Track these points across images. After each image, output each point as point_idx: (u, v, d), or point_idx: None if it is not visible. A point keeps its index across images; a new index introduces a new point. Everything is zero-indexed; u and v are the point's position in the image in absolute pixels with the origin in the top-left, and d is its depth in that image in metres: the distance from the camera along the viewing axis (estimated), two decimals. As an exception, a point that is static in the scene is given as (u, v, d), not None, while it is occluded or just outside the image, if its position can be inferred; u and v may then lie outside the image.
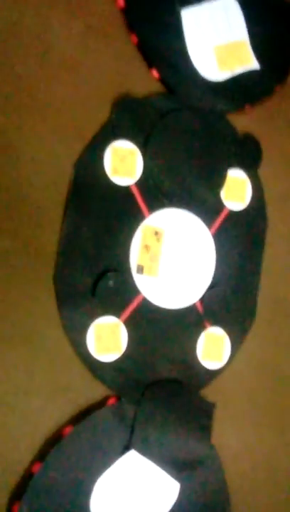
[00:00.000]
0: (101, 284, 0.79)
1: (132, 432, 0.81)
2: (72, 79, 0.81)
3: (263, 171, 0.93)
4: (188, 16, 0.88)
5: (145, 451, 0.81)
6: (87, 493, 0.77)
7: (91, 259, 0.80)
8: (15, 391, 0.75)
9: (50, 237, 0.78)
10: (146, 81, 0.85)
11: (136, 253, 0.83)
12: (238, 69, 0.91)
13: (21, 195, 0.77)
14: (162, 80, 0.86)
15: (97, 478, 0.78)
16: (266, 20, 0.95)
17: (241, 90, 0.91)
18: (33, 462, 0.75)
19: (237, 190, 0.90)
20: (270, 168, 0.94)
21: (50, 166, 0.78)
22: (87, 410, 0.79)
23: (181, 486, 0.83)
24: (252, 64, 0.92)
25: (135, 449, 0.80)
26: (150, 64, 0.85)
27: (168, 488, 0.82)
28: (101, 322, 0.80)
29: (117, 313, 0.81)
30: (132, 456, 0.80)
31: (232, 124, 0.91)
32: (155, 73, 0.85)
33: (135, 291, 0.83)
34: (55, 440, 0.76)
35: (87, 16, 0.82)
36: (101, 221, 0.81)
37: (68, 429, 0.77)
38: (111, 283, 0.80)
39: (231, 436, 0.89)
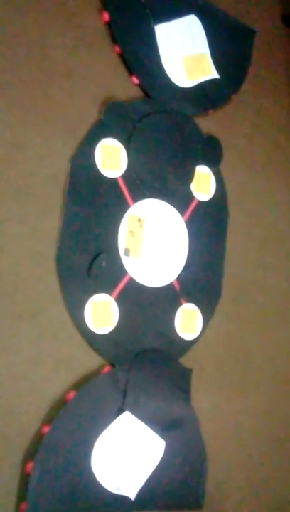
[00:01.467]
0: (95, 265, 0.88)
1: (125, 395, 0.90)
2: (66, 84, 0.89)
3: (223, 167, 1.05)
4: (161, 30, 0.99)
5: (136, 412, 0.90)
6: (88, 451, 0.86)
7: (87, 242, 0.89)
8: (24, 362, 0.83)
9: (53, 222, 0.86)
10: (128, 86, 0.95)
11: (123, 238, 0.92)
12: (202, 78, 1.03)
13: (27, 186, 0.84)
14: (141, 85, 0.97)
15: (97, 437, 0.87)
16: (224, 36, 1.07)
17: (205, 97, 1.03)
18: (42, 425, 0.83)
19: (203, 184, 1.02)
20: (229, 164, 1.06)
21: (51, 161, 0.87)
22: (86, 377, 0.88)
23: (166, 443, 0.92)
24: (213, 74, 1.04)
25: (128, 410, 0.89)
26: (130, 71, 0.96)
27: (155, 445, 0.91)
28: (96, 299, 0.89)
29: (109, 290, 0.90)
30: (126, 417, 0.89)
31: (197, 126, 1.02)
32: (135, 79, 0.96)
33: (123, 271, 0.92)
34: (60, 404, 0.84)
35: (78, 28, 0.91)
36: (94, 209, 0.90)
37: (71, 395, 0.85)
38: (104, 263, 0.89)
39: (204, 400, 0.99)
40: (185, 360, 0.98)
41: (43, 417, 0.84)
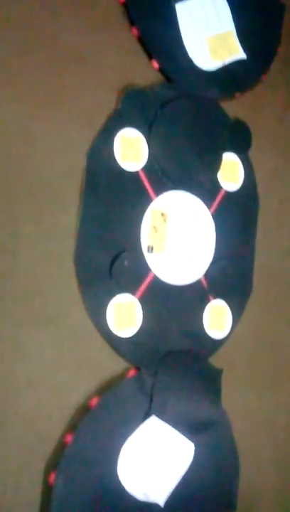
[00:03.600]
0: (117, 265, 0.83)
1: (151, 399, 0.85)
2: (80, 70, 0.83)
3: (252, 153, 0.98)
4: (182, 9, 0.91)
5: (163, 416, 0.85)
6: (114, 459, 0.81)
7: (106, 241, 0.83)
8: (44, 368, 0.78)
9: (70, 220, 0.81)
10: (147, 71, 0.88)
11: (146, 234, 0.86)
12: (228, 58, 0.95)
13: (41, 182, 0.79)
14: (161, 70, 0.89)
15: (123, 444, 0.82)
16: (251, 12, 0.99)
17: (231, 79, 0.95)
18: (64, 433, 0.78)
19: (231, 172, 0.95)
20: (258, 150, 0.99)
21: (66, 154, 0.81)
22: (110, 382, 0.83)
23: (196, 446, 0.87)
24: (240, 53, 0.96)
25: (155, 415, 0.84)
26: (150, 55, 0.88)
27: (184, 449, 0.87)
28: (118, 300, 0.83)
29: (132, 291, 0.85)
30: (152, 421, 0.84)
31: (224, 111, 0.95)
32: (155, 64, 0.88)
33: (147, 269, 0.86)
34: (83, 411, 0.80)
35: (92, 9, 0.84)
36: (113, 205, 0.84)
37: (95, 401, 0.80)
38: (126, 263, 0.84)
39: (235, 399, 0.94)
40: (215, 360, 0.92)
41: (66, 425, 0.79)
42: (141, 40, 0.88)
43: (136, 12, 0.87)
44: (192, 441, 0.87)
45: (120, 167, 0.84)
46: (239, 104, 0.97)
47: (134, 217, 0.86)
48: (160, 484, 0.84)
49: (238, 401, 0.95)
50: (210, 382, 0.90)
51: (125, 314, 0.84)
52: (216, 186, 0.94)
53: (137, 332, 0.85)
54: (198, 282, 0.91)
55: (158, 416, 0.85)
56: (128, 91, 0.85)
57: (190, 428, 0.88)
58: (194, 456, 0.87)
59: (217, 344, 0.93)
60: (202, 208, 0.92)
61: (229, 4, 0.96)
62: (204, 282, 0.91)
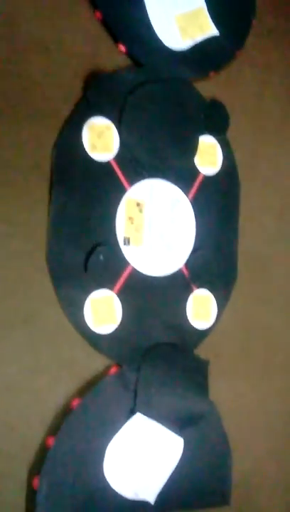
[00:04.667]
0: (92, 259, 0.79)
1: (135, 396, 0.82)
2: (43, 60, 0.78)
3: (231, 134, 0.93)
4: (147, -14, 0.86)
5: (149, 413, 0.82)
6: (100, 459, 0.78)
7: (79, 235, 0.79)
8: (22, 371, 0.75)
9: (40, 218, 0.77)
10: (114, 56, 0.83)
11: (122, 226, 0.82)
12: (199, 36, 0.90)
13: (8, 179, 0.75)
14: (129, 53, 0.84)
15: (108, 443, 0.79)
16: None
17: (204, 57, 0.90)
18: (47, 436, 0.75)
19: (208, 155, 0.91)
20: (237, 131, 0.94)
21: (32, 148, 0.77)
22: (91, 381, 0.80)
23: (185, 441, 0.84)
24: (212, 31, 0.91)
25: (140, 412, 0.81)
26: (115, 39, 0.83)
27: (173, 444, 0.84)
28: (95, 296, 0.80)
29: (110, 285, 0.81)
30: (138, 418, 0.81)
31: (198, 92, 0.90)
32: (122, 47, 0.83)
33: (124, 262, 0.83)
34: (65, 413, 0.77)
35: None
36: (85, 198, 0.80)
37: (76, 402, 0.77)
38: (101, 257, 0.80)
39: (225, 390, 0.91)
40: (201, 351, 0.89)
41: (47, 428, 0.76)
42: (105, 23, 0.82)
43: (98, -7, 0.82)
44: (181, 436, 0.84)
45: (90, 158, 0.80)
46: (215, 84, 0.92)
47: (108, 209, 0.82)
48: (149, 481, 0.82)
49: (227, 392, 0.92)
50: (196, 374, 0.87)
51: (103, 310, 0.80)
52: (193, 171, 0.89)
53: (117, 328, 0.81)
54: (179, 272, 0.87)
55: (143, 413, 0.82)
56: (94, 77, 0.81)
57: (178, 423, 0.85)
58: (183, 451, 0.85)
59: (202, 335, 0.89)
60: (180, 195, 0.88)
61: (198, -21, 0.91)
62: (185, 272, 0.88)
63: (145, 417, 0.82)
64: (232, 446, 0.89)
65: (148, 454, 0.82)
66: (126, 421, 0.81)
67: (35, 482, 0.73)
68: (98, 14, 0.82)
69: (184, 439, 0.85)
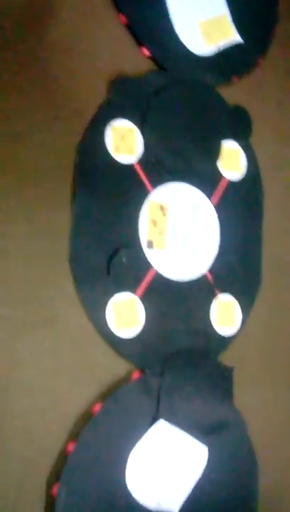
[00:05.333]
0: (114, 262, 0.77)
1: (158, 402, 0.78)
2: (68, 62, 0.77)
3: (253, 140, 0.91)
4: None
5: (172, 419, 0.78)
6: (122, 467, 0.75)
7: (102, 238, 0.77)
8: (42, 374, 0.72)
9: (62, 218, 0.75)
10: (138, 60, 0.82)
11: (145, 228, 0.80)
12: (223, 42, 0.88)
13: (31, 179, 0.73)
14: (152, 57, 0.83)
15: (130, 450, 0.75)
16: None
17: (227, 63, 0.89)
18: (66, 442, 0.72)
19: (232, 161, 0.88)
20: (259, 136, 0.92)
21: (55, 149, 0.75)
22: (113, 386, 0.76)
23: (209, 449, 0.80)
24: (235, 37, 0.90)
25: (163, 418, 0.78)
26: (139, 42, 0.82)
27: (197, 452, 0.80)
28: (118, 299, 0.77)
29: (132, 288, 0.78)
30: (161, 425, 0.78)
31: (221, 97, 0.88)
32: (145, 51, 0.82)
33: (147, 265, 0.80)
34: (86, 419, 0.74)
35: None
36: (108, 200, 0.78)
37: (97, 407, 0.74)
38: (124, 259, 0.77)
39: (250, 398, 0.87)
40: (226, 358, 0.85)
41: (67, 433, 0.73)
42: (129, 27, 0.81)
43: (122, -3, 0.81)
44: (206, 444, 0.80)
45: (113, 160, 0.78)
46: (237, 90, 0.90)
47: (131, 212, 0.79)
48: (173, 491, 0.78)
49: (253, 399, 0.88)
50: (220, 381, 0.84)
51: (126, 314, 0.77)
52: (217, 176, 0.87)
53: (140, 332, 0.78)
54: (203, 277, 0.84)
55: (166, 419, 0.78)
56: (118, 80, 0.79)
57: (202, 430, 0.81)
58: (208, 460, 0.80)
59: (226, 341, 0.86)
60: (204, 199, 0.85)
61: (221, -14, 0.90)
62: (209, 277, 0.84)
63: (168, 424, 0.78)
64: (257, 452, 0.84)
65: (171, 463, 0.78)
66: (148, 428, 0.77)
67: (54, 490, 0.70)
68: (122, 18, 0.81)
69: (209, 448, 0.80)
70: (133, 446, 0.76)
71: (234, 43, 0.89)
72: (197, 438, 0.80)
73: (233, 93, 0.90)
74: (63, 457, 0.71)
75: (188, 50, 0.85)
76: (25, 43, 0.75)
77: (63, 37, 0.77)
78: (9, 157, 0.72)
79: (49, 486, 0.70)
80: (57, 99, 0.76)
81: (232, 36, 0.89)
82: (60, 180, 0.75)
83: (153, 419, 0.78)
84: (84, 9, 0.79)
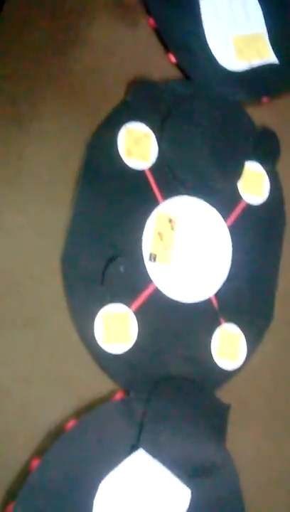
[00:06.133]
0: (111, 269, 0.72)
1: (141, 430, 0.72)
2: (89, 57, 0.76)
3: (281, 167, 0.87)
4: (207, 4, 0.83)
5: (154, 452, 0.72)
6: (90, 495, 0.68)
7: (101, 242, 0.73)
8: (14, 379, 0.67)
9: (59, 214, 0.71)
10: (163, 65, 0.80)
11: (149, 240, 0.76)
12: (256, 60, 0.86)
13: (30, 169, 0.70)
14: (178, 65, 0.81)
15: (102, 478, 0.69)
16: (285, 15, 0.90)
17: (259, 82, 0.86)
18: (31, 458, 0.66)
19: (254, 184, 0.84)
20: (287, 162, 0.88)
21: (62, 141, 0.73)
22: (92, 404, 0.71)
23: (193, 493, 0.73)
24: (270, 57, 0.87)
25: (143, 449, 0.71)
26: (166, 48, 0.81)
27: (178, 494, 0.72)
28: (110, 310, 0.72)
29: (127, 301, 0.74)
30: (140, 456, 0.71)
31: (249, 116, 0.85)
32: (172, 58, 0.80)
33: (147, 279, 0.75)
34: (56, 435, 0.68)
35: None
36: (113, 203, 0.74)
37: (71, 423, 0.68)
38: (121, 269, 0.73)
39: (246, 444, 0.80)
40: (223, 394, 0.79)
41: (34, 448, 0.67)
42: (157, 31, 0.80)
43: (154, 1, 0.79)
44: (188, 487, 0.73)
45: (124, 163, 0.75)
46: (267, 111, 0.87)
47: (136, 220, 0.76)
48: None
49: (250, 446, 0.80)
50: (214, 418, 0.77)
51: (116, 327, 0.72)
52: (235, 197, 0.83)
53: (130, 349, 0.73)
54: (208, 301, 0.79)
55: (147, 451, 0.71)
56: (138, 81, 0.77)
57: (187, 470, 0.74)
58: (189, 505, 0.73)
59: (226, 375, 0.79)
60: (218, 219, 0.81)
61: (261, 6, 0.88)
62: (215, 302, 0.79)
63: (149, 456, 0.71)
64: (247, 505, 0.76)
65: (146, 501, 0.71)
66: (126, 456, 0.71)
67: (9, 509, 0.64)
68: (151, 21, 0.79)
69: (192, 492, 0.73)
70: (106, 473, 0.69)
71: (269, 64, 0.87)
72: (180, 478, 0.73)
73: (262, 114, 0.87)
74: (25, 474, 0.65)
75: (217, 62, 0.83)
76: (45, 29, 0.74)
77: (87, 33, 0.76)
78: (10, 144, 0.70)
79: (4, 504, 0.64)
80: (72, 92, 0.74)
81: (268, 56, 0.87)
82: (63, 176, 0.73)
83: (133, 448, 0.71)
84: (112, 8, 0.78)
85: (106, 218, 0.74)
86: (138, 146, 0.76)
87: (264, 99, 0.87)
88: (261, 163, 0.85)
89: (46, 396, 0.69)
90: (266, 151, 0.86)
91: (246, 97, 0.85)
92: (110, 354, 0.72)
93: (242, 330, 0.81)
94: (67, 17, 0.75)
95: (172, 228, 0.77)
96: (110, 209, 0.74)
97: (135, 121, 0.76)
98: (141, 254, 0.75)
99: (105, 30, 0.77)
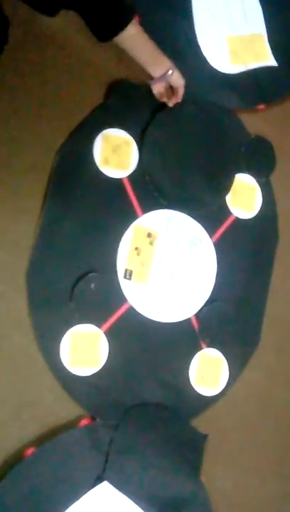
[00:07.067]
0: (81, 287, 0.69)
1: (106, 460, 0.69)
2: (69, 59, 0.73)
3: (276, 179, 0.83)
4: (200, 1, 0.80)
5: (120, 485, 0.69)
6: (48, 529, 0.66)
7: (71, 256, 0.70)
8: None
9: (26, 227, 0.69)
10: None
11: (125, 255, 0.73)
12: (253, 64, 0.82)
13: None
14: (166, 66, 0.77)
15: (64, 510, 0.66)
16: (288, 16, 0.86)
17: (254, 87, 0.83)
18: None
19: (245, 197, 0.81)
20: (285, 176, 0.84)
21: (31, 149, 0.70)
22: (55, 430, 0.68)
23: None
24: (269, 60, 0.84)
25: (109, 481, 0.68)
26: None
27: (146, 531, 0.70)
28: (78, 330, 0.69)
29: (98, 321, 0.71)
30: (105, 488, 0.68)
31: (242, 124, 0.81)
32: (158, 59, 0.76)
33: (121, 298, 0.72)
34: (13, 462, 0.65)
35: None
36: (86, 214, 0.71)
37: (31, 450, 0.66)
38: (92, 286, 0.70)
39: (225, 478, 0.77)
40: (201, 422, 0.76)
41: (-11, 475, 0.65)
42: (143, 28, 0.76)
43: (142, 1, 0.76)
44: (157, 524, 0.70)
45: (99, 171, 0.72)
46: (262, 119, 0.84)
47: (112, 233, 0.73)
48: None
49: (228, 481, 0.77)
50: (188, 449, 0.74)
51: (85, 349, 0.70)
52: (223, 211, 0.80)
53: (99, 372, 0.70)
54: (187, 323, 0.76)
55: (113, 483, 0.69)
56: (119, 83, 0.74)
57: (156, 505, 0.71)
58: None
59: (205, 403, 0.77)
60: (203, 234, 0.77)
61: (262, 6, 0.84)
62: (195, 324, 0.76)
63: (114, 489, 0.69)
64: None
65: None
66: (90, 488, 0.68)
67: None
68: (137, 18, 0.75)
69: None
70: (67, 506, 0.66)
71: (267, 67, 0.83)
72: (148, 513, 0.70)
73: (257, 122, 0.83)
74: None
75: (209, 64, 0.80)
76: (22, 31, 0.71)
77: (65, 33, 0.73)
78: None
79: None
80: (46, 96, 0.71)
81: (266, 59, 0.83)
82: (31, 185, 0.70)
83: (98, 479, 0.68)
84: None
85: (77, 231, 0.71)
86: (116, 154, 0.73)
87: (260, 106, 0.83)
88: (254, 176, 0.82)
89: (6, 420, 0.66)
90: (260, 163, 0.83)
91: (241, 104, 0.82)
92: (77, 377, 0.69)
93: (225, 355, 0.78)
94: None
95: (151, 243, 0.74)
96: (82, 221, 0.71)
97: (114, 127, 0.73)
98: (116, 271, 0.72)
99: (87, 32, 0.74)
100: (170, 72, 0.67)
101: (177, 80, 0.69)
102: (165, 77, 0.68)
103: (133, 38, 0.64)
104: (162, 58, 0.67)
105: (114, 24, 0.61)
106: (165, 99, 0.73)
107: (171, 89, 0.72)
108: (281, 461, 0.82)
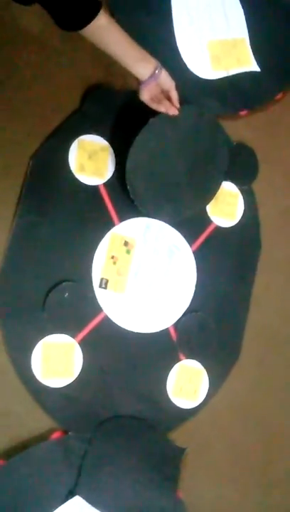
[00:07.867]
0: (54, 296, 0.69)
1: (79, 474, 0.69)
2: (45, 62, 0.73)
3: (258, 185, 0.83)
4: (179, 4, 0.80)
5: (93, 500, 0.69)
6: None
7: (45, 265, 0.70)
8: None
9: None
10: (126, 72, 0.76)
11: (101, 264, 0.73)
12: (234, 69, 0.82)
13: None
14: (144, 72, 0.77)
15: (32, 527, 0.66)
16: (270, 19, 0.87)
17: (236, 93, 0.83)
18: None
19: (226, 205, 0.81)
20: (267, 183, 0.84)
21: (5, 154, 0.70)
22: (25, 443, 0.68)
23: None
24: (251, 65, 0.84)
25: (81, 496, 0.68)
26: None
27: None
28: (51, 340, 0.69)
29: (72, 331, 0.71)
30: (77, 503, 0.68)
31: (224, 130, 0.81)
32: (136, 64, 0.77)
33: (96, 307, 0.72)
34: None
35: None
36: (61, 223, 0.71)
37: (0, 463, 0.66)
38: (66, 295, 0.70)
39: (207, 490, 0.77)
40: (179, 436, 0.76)
41: None
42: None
43: (120, 6, 0.76)
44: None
45: (75, 178, 0.72)
46: (245, 125, 0.84)
47: (86, 241, 0.73)
48: None
49: (209, 494, 0.77)
50: (166, 463, 0.74)
51: (58, 360, 0.70)
52: (203, 219, 0.80)
53: (72, 383, 0.70)
54: (165, 333, 0.76)
55: (85, 498, 0.68)
56: (96, 89, 0.74)
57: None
58: None
59: (183, 416, 0.76)
60: (182, 243, 0.77)
61: (244, 9, 0.85)
62: (173, 334, 0.76)
63: (87, 504, 0.68)
64: None
65: None
66: (60, 503, 0.68)
67: None
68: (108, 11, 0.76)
69: None
70: (38, 522, 0.67)
71: (249, 72, 0.83)
72: (123, 529, 0.70)
73: (239, 128, 0.83)
74: None
75: (189, 70, 0.80)
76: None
77: (41, 35, 0.73)
78: None
79: None
80: (20, 100, 0.71)
81: (248, 64, 0.83)
82: (5, 191, 0.70)
83: (69, 494, 0.68)
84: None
85: (51, 239, 0.71)
86: (92, 160, 0.73)
87: (242, 112, 0.83)
88: (236, 183, 0.82)
89: (-25, 432, 0.66)
90: (242, 170, 0.83)
91: (222, 110, 0.82)
92: (49, 388, 0.69)
93: (204, 366, 0.77)
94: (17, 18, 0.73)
95: (128, 252, 0.74)
96: (57, 228, 0.71)
97: (90, 133, 0.73)
98: (90, 279, 0.72)
99: (67, 37, 0.74)
100: (157, 71, 0.66)
101: (166, 80, 0.68)
102: (154, 76, 0.66)
103: (106, 30, 0.62)
104: (145, 56, 0.66)
105: (81, 13, 0.59)
106: (155, 106, 0.70)
107: (163, 94, 0.70)
108: (264, 473, 0.81)
